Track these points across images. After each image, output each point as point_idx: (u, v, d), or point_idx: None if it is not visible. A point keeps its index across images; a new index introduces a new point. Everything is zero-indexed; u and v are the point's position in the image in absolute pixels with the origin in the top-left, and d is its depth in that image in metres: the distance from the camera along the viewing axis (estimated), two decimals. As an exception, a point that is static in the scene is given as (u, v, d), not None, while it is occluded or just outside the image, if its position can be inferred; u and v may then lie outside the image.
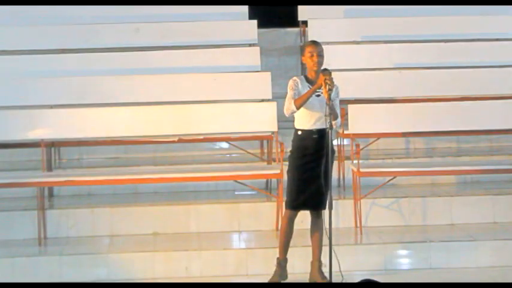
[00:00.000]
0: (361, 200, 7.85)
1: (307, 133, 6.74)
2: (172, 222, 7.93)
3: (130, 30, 9.84)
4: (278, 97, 9.41)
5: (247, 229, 7.81)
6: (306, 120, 6.74)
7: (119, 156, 9.30)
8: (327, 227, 6.43)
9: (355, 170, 7.80)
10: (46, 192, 8.29)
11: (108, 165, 8.81)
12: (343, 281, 6.73)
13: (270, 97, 8.74)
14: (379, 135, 8.57)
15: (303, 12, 10.74)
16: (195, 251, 7.30)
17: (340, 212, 7.81)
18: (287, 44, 11.39)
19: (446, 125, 8.35)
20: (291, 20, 11.14)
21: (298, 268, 7.25)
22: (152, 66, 9.26)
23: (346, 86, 8.85)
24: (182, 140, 8.42)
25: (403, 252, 7.44)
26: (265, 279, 7.06)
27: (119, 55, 9.42)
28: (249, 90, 8.83)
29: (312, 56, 6.73)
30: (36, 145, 8.19)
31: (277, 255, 6.95)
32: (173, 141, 8.47)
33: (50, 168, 8.44)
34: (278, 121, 8.32)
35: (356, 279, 6.76)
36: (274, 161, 8.26)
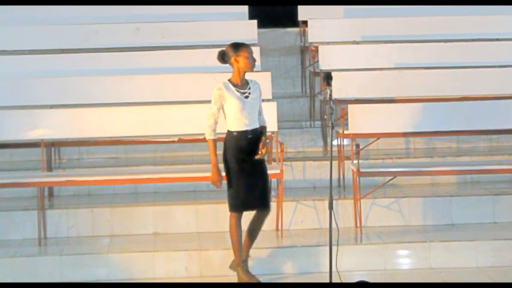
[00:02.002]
0: (361, 200, 7.85)
1: (242, 134, 6.81)
2: (172, 222, 7.93)
3: (130, 30, 9.85)
4: (278, 97, 9.45)
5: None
6: (240, 121, 6.79)
7: (118, 156, 9.30)
8: (335, 226, 6.46)
9: (355, 170, 7.79)
10: (46, 192, 8.29)
11: (108, 165, 8.81)
12: (343, 281, 6.73)
13: (270, 97, 8.73)
14: (379, 135, 8.56)
15: (303, 12, 10.75)
16: (195, 251, 7.30)
17: (340, 212, 7.81)
18: (287, 44, 11.41)
19: (446, 125, 8.35)
20: (291, 20, 11.16)
21: (298, 268, 7.26)
22: (152, 66, 9.26)
23: (346, 86, 8.92)
24: (182, 140, 8.42)
25: (403, 252, 7.44)
26: (265, 279, 7.06)
27: (119, 55, 9.42)
28: (249, 90, 8.84)
29: (251, 57, 6.83)
30: (36, 145, 8.19)
31: (235, 259, 6.89)
32: (173, 141, 8.47)
33: (50, 168, 8.44)
34: (278, 121, 8.33)
35: (356, 280, 6.76)
36: (274, 161, 8.25)
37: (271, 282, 7.06)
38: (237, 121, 6.80)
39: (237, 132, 6.81)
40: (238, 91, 6.81)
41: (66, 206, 8.10)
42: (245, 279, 6.82)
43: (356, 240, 7.63)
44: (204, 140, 6.94)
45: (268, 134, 8.22)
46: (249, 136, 6.82)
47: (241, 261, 6.87)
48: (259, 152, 6.78)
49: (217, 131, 6.82)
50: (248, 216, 6.94)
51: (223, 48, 6.92)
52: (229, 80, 6.89)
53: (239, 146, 6.80)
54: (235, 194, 6.82)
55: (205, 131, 6.85)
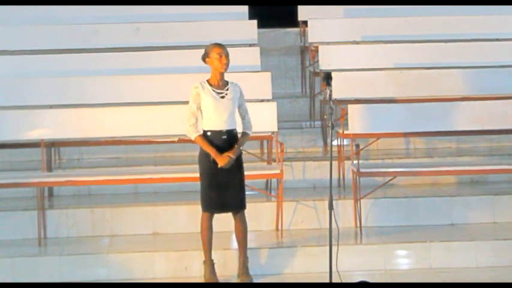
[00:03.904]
0: (361, 200, 7.85)
1: (217, 134, 6.84)
2: (172, 222, 7.93)
3: (130, 30, 9.85)
4: (278, 97, 9.44)
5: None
6: (214, 120, 6.83)
7: (119, 156, 9.30)
8: (335, 226, 6.46)
9: (355, 170, 7.79)
10: (46, 192, 8.29)
11: (108, 165, 8.81)
12: (343, 281, 6.73)
13: (270, 97, 8.74)
14: (379, 135, 8.56)
15: (303, 12, 10.76)
16: (195, 251, 7.29)
17: (340, 212, 7.81)
18: (287, 44, 11.41)
19: (446, 125, 8.35)
20: (291, 20, 11.16)
21: (298, 268, 7.26)
22: (152, 66, 9.26)
23: (346, 86, 8.92)
24: (182, 140, 8.42)
25: (403, 252, 7.44)
26: (265, 280, 7.07)
27: (119, 55, 9.41)
28: (249, 90, 8.81)
29: (221, 57, 6.84)
30: (36, 145, 8.19)
31: (204, 258, 6.99)
32: (173, 141, 8.47)
33: (50, 168, 8.44)
34: (278, 121, 8.32)
35: (356, 280, 6.76)
36: (274, 161, 8.25)
37: (272, 282, 7.07)
38: (211, 120, 6.84)
39: (211, 132, 6.84)
40: (214, 91, 6.84)
41: (66, 206, 8.10)
42: (204, 279, 6.93)
43: (356, 240, 7.63)
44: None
45: (268, 134, 8.26)
46: (224, 137, 6.84)
47: (208, 260, 6.94)
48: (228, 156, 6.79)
49: (229, 128, 6.85)
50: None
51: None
52: (207, 81, 6.91)
53: (214, 147, 6.83)
54: (205, 195, 6.89)
55: (188, 132, 6.89)
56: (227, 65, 6.87)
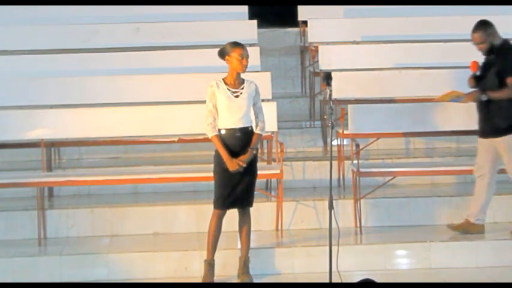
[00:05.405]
0: (361, 200, 7.85)
1: (231, 132, 6.85)
2: (172, 222, 7.93)
3: (130, 30, 9.85)
4: (278, 97, 9.44)
5: (247, 229, 7.81)
6: (228, 119, 6.85)
7: (119, 156, 9.30)
8: (335, 226, 6.46)
9: (355, 170, 7.79)
10: (46, 192, 8.29)
11: (108, 165, 8.81)
12: (343, 281, 6.73)
13: (270, 97, 8.73)
14: (379, 135, 8.57)
15: (303, 12, 10.76)
16: (195, 251, 7.30)
17: (340, 212, 7.81)
18: (287, 44, 11.41)
19: (446, 125, 8.35)
20: (291, 20, 11.16)
21: (298, 268, 7.26)
22: (152, 66, 9.26)
23: (346, 86, 8.92)
24: (182, 140, 8.43)
25: (403, 252, 7.45)
26: (265, 280, 7.07)
27: (118, 55, 9.42)
28: (249, 90, 8.84)
29: (242, 58, 6.84)
30: (36, 145, 8.19)
31: (206, 257, 6.97)
32: (173, 141, 8.47)
33: (50, 168, 8.44)
34: (278, 121, 8.32)
35: (356, 280, 6.76)
36: (274, 161, 8.26)
37: (272, 282, 7.07)
38: (225, 119, 6.85)
39: (226, 130, 6.85)
40: (229, 90, 6.84)
41: (66, 206, 8.10)
42: (202, 278, 6.95)
43: (356, 240, 7.64)
44: (204, 140, 6.95)
45: (268, 133, 8.25)
46: (238, 134, 6.85)
47: (209, 259, 6.95)
48: (241, 162, 6.80)
49: (243, 126, 6.85)
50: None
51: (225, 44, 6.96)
52: (223, 79, 6.91)
53: (227, 145, 6.84)
54: (218, 191, 6.90)
55: (206, 130, 6.89)
56: (246, 67, 6.88)
